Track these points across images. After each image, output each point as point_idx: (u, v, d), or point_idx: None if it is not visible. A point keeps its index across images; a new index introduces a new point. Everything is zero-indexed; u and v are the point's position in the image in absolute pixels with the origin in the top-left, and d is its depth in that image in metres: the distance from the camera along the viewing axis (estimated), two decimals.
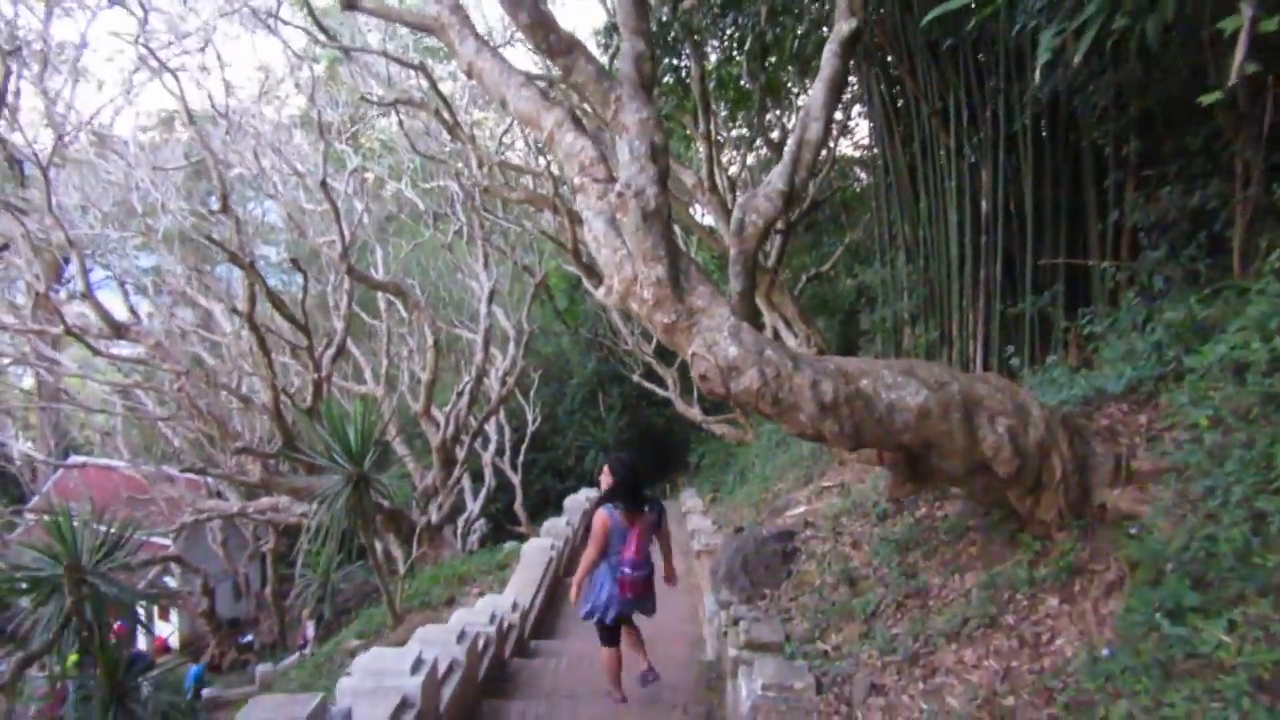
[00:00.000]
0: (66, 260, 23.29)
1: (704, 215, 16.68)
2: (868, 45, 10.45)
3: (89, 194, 21.08)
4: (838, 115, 16.43)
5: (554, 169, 15.18)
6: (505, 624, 7.33)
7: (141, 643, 24.84)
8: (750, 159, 18.67)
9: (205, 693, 18.79)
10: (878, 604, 5.77)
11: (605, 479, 6.15)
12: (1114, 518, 4.70)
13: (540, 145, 16.40)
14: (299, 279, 29.78)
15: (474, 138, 14.40)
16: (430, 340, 17.08)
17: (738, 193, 15.12)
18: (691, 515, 12.97)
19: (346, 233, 16.25)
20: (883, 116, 11.19)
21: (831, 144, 17.20)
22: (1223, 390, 4.18)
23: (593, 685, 6.66)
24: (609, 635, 6.21)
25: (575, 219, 13.21)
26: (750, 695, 5.02)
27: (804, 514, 9.69)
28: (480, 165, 15.37)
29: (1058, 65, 6.86)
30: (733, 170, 17.27)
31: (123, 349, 17.98)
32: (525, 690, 6.69)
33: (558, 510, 16.34)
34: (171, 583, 23.94)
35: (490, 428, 22.35)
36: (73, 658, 11.75)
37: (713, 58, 15.43)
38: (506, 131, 19.21)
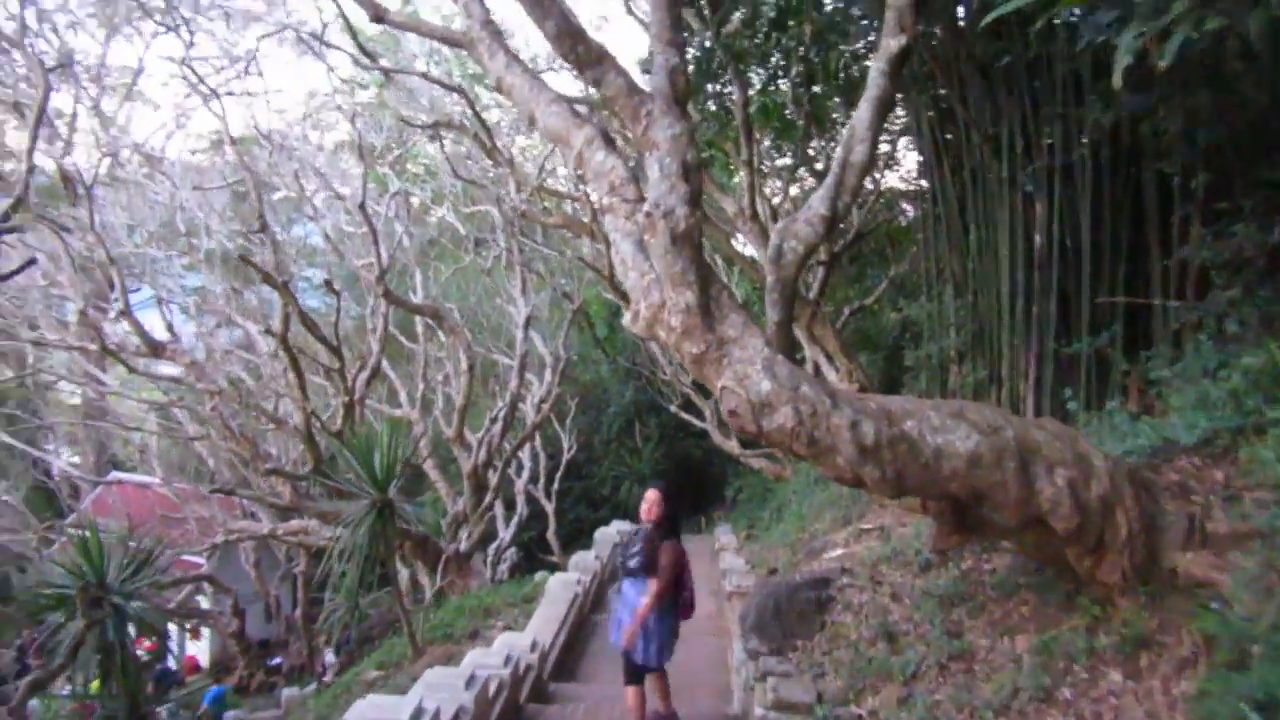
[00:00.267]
0: (113, 283, 23.64)
1: (745, 245, 16.35)
2: (916, 71, 10.09)
3: (135, 214, 21.32)
4: (884, 146, 16.08)
5: (592, 195, 14.99)
6: (522, 666, 6.97)
7: (172, 662, 24.90)
8: (794, 189, 18.35)
9: (229, 716, 18.57)
10: (918, 664, 5.31)
11: (654, 507, 5.78)
12: (1186, 585, 4.24)
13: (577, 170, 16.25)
14: (340, 301, 30.06)
15: (513, 161, 14.25)
16: (465, 364, 16.88)
17: (780, 221, 14.77)
18: (725, 553, 12.52)
19: (385, 256, 16.15)
20: (931, 145, 10.79)
21: (878, 175, 16.84)
22: None
23: None
24: (642, 676, 5.91)
25: (609, 243, 12.94)
26: None
27: (841, 557, 9.22)
28: (519, 189, 15.21)
29: (1128, 84, 6.42)
30: (775, 200, 16.91)
31: (162, 368, 18.07)
32: None
33: (591, 540, 16.00)
34: (204, 602, 23.92)
35: (525, 455, 22.10)
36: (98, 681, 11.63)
37: (756, 84, 15.18)
38: (548, 156, 19.07)
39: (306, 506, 15.10)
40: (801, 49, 11.93)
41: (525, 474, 21.92)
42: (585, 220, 14.44)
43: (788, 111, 15.74)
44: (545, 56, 18.03)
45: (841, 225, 16.98)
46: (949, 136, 10.48)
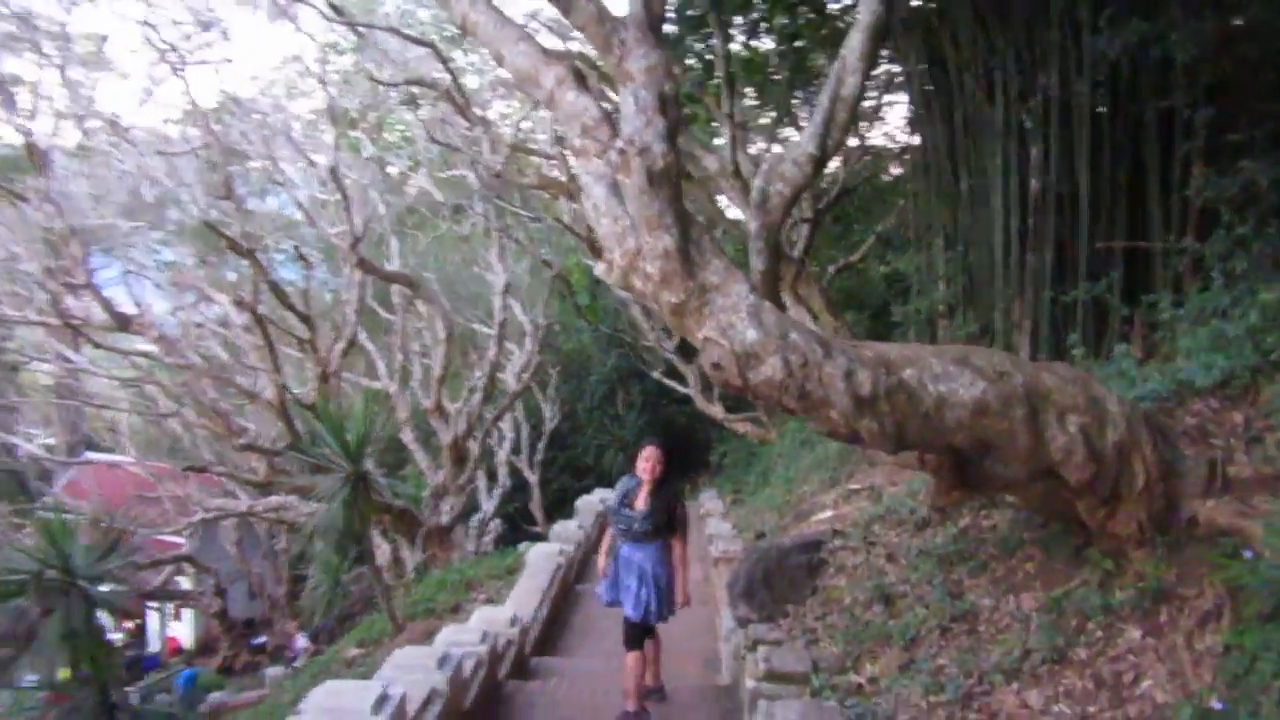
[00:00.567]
0: (88, 255, 22.97)
1: (729, 205, 15.94)
2: (905, 13, 9.67)
3: (102, 185, 20.65)
4: (869, 100, 15.64)
5: (569, 154, 14.51)
6: (501, 642, 6.64)
7: (154, 644, 24.57)
8: (777, 147, 17.90)
9: (214, 697, 18.24)
10: (918, 628, 5.02)
11: (656, 464, 5.40)
12: (1207, 534, 3.95)
13: (554, 128, 15.71)
14: (318, 273, 29.39)
15: (486, 119, 13.77)
16: (443, 333, 16.46)
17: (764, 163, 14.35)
18: (710, 518, 12.23)
19: (359, 223, 15.66)
20: (920, 92, 10.41)
21: (863, 128, 16.41)
22: None
23: (596, 710, 5.97)
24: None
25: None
26: None
27: (831, 519, 8.95)
28: (494, 150, 14.70)
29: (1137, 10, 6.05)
30: (759, 148, 16.47)
31: (133, 343, 17.55)
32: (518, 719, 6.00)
33: (574, 509, 15.70)
34: (185, 583, 23.55)
35: (506, 425, 21.75)
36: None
37: (738, 37, 14.70)
38: (525, 118, 18.55)
39: (282, 482, 14.72)
40: None
41: (507, 445, 21.58)
42: (562, 180, 13.96)
43: (771, 66, 15.29)
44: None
45: (825, 182, 16.61)
46: (939, 83, 10.08)
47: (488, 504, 20.32)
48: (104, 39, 21.84)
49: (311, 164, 18.56)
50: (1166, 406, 4.63)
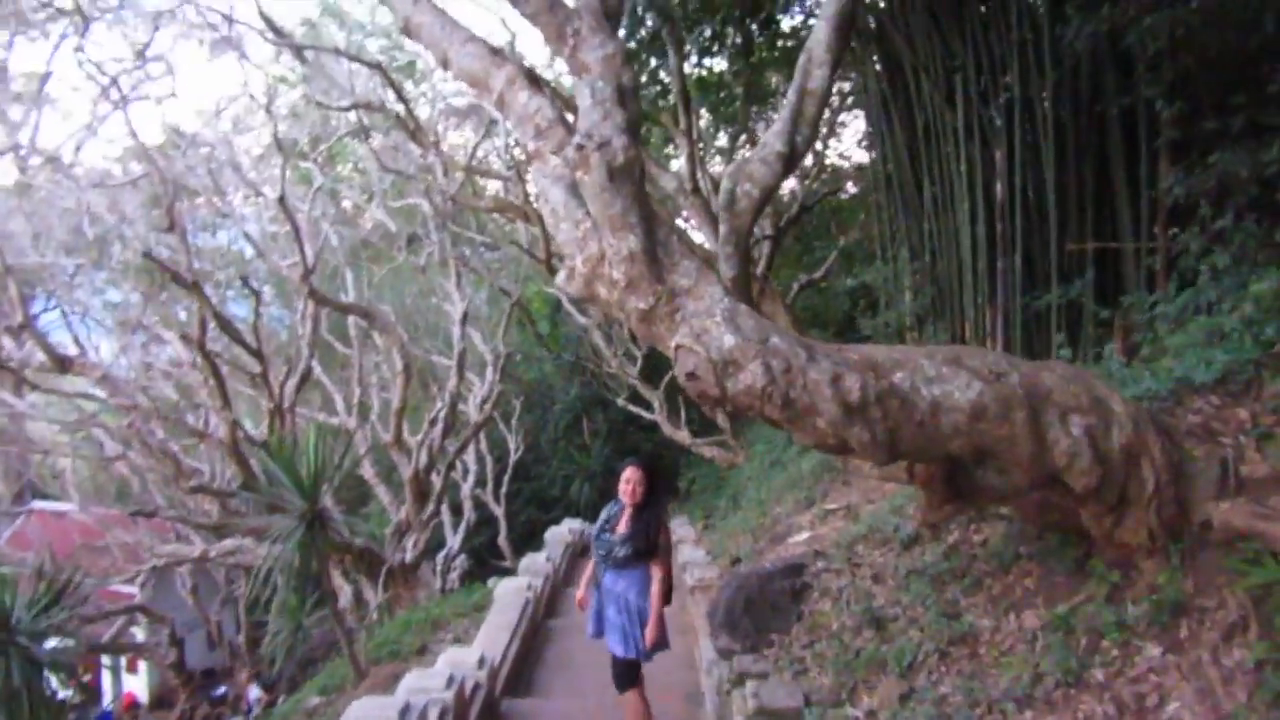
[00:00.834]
0: (32, 297, 22.16)
1: (689, 223, 15.72)
2: (860, 20, 9.52)
3: (42, 223, 19.96)
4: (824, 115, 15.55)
5: (526, 176, 14.21)
6: (469, 686, 6.21)
7: (107, 698, 23.56)
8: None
9: None
10: (915, 653, 4.69)
11: (637, 486, 4.99)
12: (1223, 538, 3.67)
13: (511, 150, 15.42)
14: (272, 309, 28.70)
15: (438, 143, 13.42)
16: (400, 365, 15.98)
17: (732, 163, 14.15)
18: (683, 546, 11.86)
19: (310, 254, 15.18)
20: (879, 101, 10.24)
21: (820, 146, 16.33)
22: None
23: None
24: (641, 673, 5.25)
25: (548, 230, 12.17)
26: None
27: (809, 541, 8.63)
28: (446, 173, 14.35)
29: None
30: (717, 171, 16.29)
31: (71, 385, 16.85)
32: None
33: (543, 542, 15.27)
34: (139, 634, 22.67)
35: (470, 458, 21.24)
36: None
37: (692, 57, 14.57)
38: (480, 143, 18.22)
39: (235, 525, 14.10)
40: (738, 13, 11.30)
41: (471, 478, 21.06)
42: (518, 204, 13.64)
43: (725, 85, 15.15)
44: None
45: (784, 199, 16.47)
46: (897, 90, 9.93)
47: (453, 539, 19.75)
48: (46, 76, 21.22)
49: (260, 195, 18.09)
50: (1166, 406, 4.37)
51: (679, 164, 15.88)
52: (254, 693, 16.78)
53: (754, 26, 12.04)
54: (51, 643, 11.86)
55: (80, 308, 22.87)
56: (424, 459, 16.37)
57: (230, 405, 14.01)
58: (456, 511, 20.74)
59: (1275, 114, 5.63)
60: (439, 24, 5.15)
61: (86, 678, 21.39)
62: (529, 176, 13.02)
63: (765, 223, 14.27)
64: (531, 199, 13.21)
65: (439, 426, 16.86)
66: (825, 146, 16.97)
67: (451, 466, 18.43)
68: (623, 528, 4.99)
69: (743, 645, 5.91)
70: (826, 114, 15.48)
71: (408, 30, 5.48)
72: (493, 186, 18.59)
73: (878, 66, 10.10)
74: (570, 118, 4.56)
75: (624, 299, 3.86)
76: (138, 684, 24.79)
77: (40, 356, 14.52)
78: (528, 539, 21.73)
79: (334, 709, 10.05)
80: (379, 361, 21.67)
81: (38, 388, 14.93)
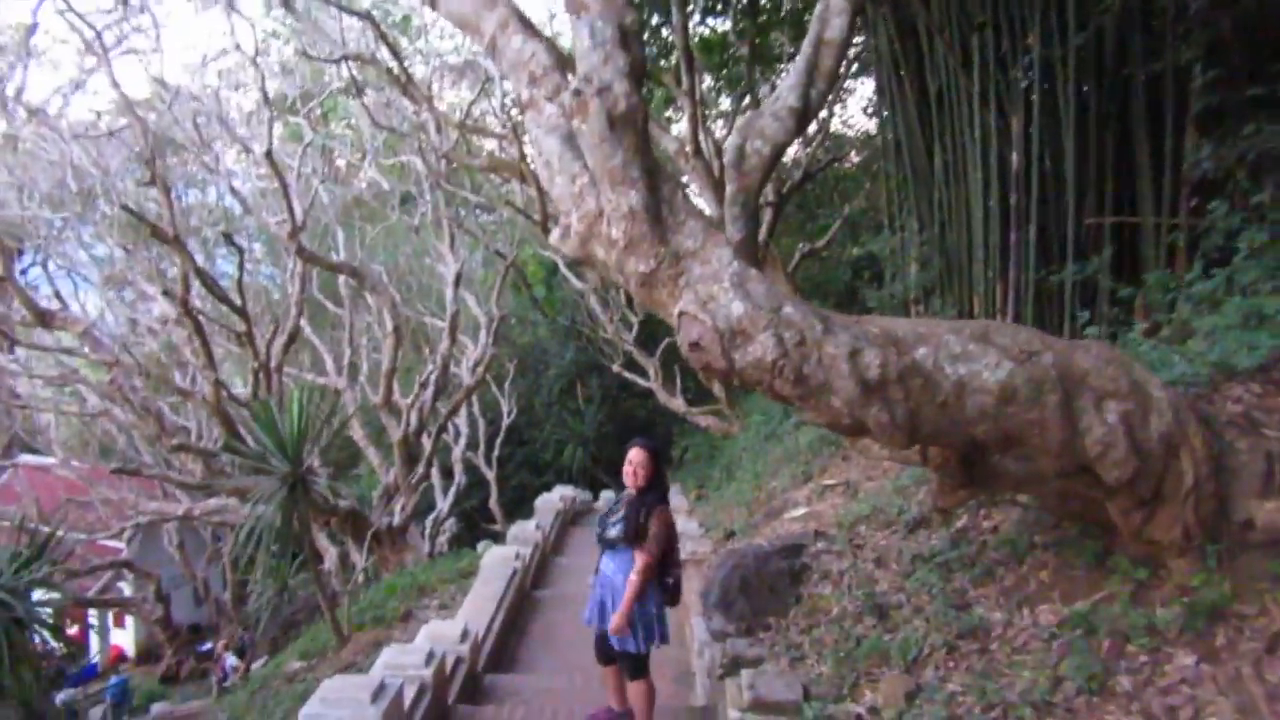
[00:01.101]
0: (20, 251, 21.71)
1: (690, 187, 15.32)
2: None
3: (26, 176, 19.49)
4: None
5: (522, 135, 13.77)
6: (450, 662, 5.96)
7: (94, 652, 23.50)
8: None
9: (156, 707, 17.35)
10: (920, 645, 4.43)
11: (639, 470, 4.64)
12: (1266, 539, 3.39)
13: (508, 109, 14.97)
14: (262, 269, 28.24)
15: (431, 99, 12.97)
16: (390, 325, 15.63)
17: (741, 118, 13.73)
18: (676, 516, 11.63)
19: (299, 210, 14.77)
20: (890, 62, 9.84)
21: (825, 113, 15.88)
22: None
23: None
24: (645, 663, 4.91)
25: (544, 189, 11.75)
26: None
27: (806, 516, 8.38)
28: (439, 130, 13.90)
29: None
30: (720, 135, 15.86)
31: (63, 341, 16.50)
32: None
33: (533, 509, 15.07)
34: (126, 589, 22.58)
35: (462, 421, 20.97)
36: None
37: (696, 15, 14.09)
38: (475, 101, 17.72)
39: (219, 485, 13.83)
40: None
41: (463, 441, 20.80)
42: (514, 162, 13.22)
43: (730, 45, 14.69)
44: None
45: (786, 167, 16.06)
46: (909, 54, 9.53)
47: (443, 502, 19.55)
48: (33, 28, 20.63)
49: (248, 150, 17.61)
50: (1202, 393, 4.07)
51: (679, 128, 15.46)
52: (230, 660, 16.63)
53: None
54: (38, 594, 11.70)
55: (67, 263, 22.48)
56: (414, 421, 16.09)
57: (214, 363, 13.68)
58: (447, 474, 20.53)
59: None
60: None
61: (73, 631, 21.35)
62: (525, 135, 12.56)
63: (767, 189, 13.88)
64: (528, 158, 12.78)
65: (430, 389, 16.57)
66: (830, 113, 16.52)
67: (443, 429, 18.17)
68: (621, 510, 4.72)
69: (737, 628, 5.65)
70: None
71: None
72: (489, 146, 18.09)
73: (889, 28, 9.66)
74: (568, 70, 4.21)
75: (623, 260, 3.53)
76: (125, 638, 24.78)
77: (24, 311, 14.19)
78: (519, 503, 21.57)
79: (315, 674, 9.86)
80: (370, 322, 21.33)
81: (18, 342, 14.52)
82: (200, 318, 14.09)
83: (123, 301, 21.44)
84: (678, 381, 20.44)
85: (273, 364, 14.93)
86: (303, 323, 17.00)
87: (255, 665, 15.60)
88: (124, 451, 20.47)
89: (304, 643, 11.76)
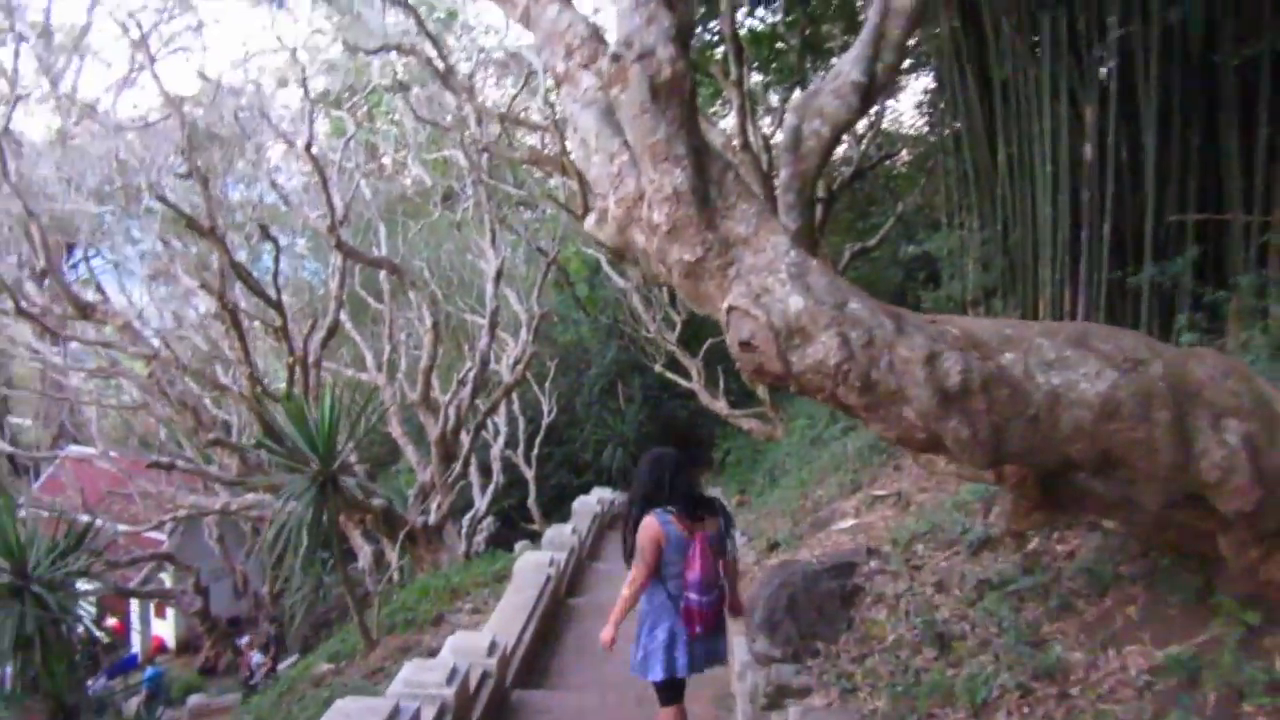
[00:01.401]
0: (71, 246, 21.95)
1: None
2: None
3: (75, 171, 19.65)
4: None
5: (563, 125, 13.45)
6: (474, 679, 5.61)
7: (135, 643, 23.75)
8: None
9: (192, 700, 17.37)
10: (990, 685, 3.97)
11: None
12: None
13: (551, 102, 14.64)
14: (307, 264, 28.30)
15: (471, 89, 12.70)
16: (430, 321, 15.39)
17: (772, 154, 13.31)
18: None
19: (340, 204, 14.59)
20: (951, 49, 9.32)
21: (879, 104, 15.33)
22: None
23: None
24: (670, 692, 4.50)
25: (585, 181, 11.41)
26: None
27: (854, 529, 7.92)
28: (480, 122, 13.62)
29: None
30: (769, 131, 15.39)
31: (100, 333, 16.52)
32: None
33: (570, 510, 14.76)
34: (166, 580, 22.79)
35: (501, 419, 20.75)
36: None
37: (744, 9, 13.65)
38: (517, 96, 17.44)
39: (252, 480, 13.68)
40: None
41: (502, 439, 20.57)
42: (555, 155, 12.88)
43: (780, 37, 14.25)
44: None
45: (836, 163, 15.54)
46: (972, 42, 9.00)
47: (480, 501, 19.32)
48: (86, 27, 20.86)
49: (290, 144, 17.52)
50: None
51: (726, 124, 15.03)
52: (255, 658, 16.59)
53: None
54: (83, 585, 11.65)
55: (116, 257, 22.70)
56: (452, 418, 15.84)
57: (250, 357, 13.53)
58: (485, 473, 20.31)
59: None
60: None
61: (113, 622, 21.49)
62: (565, 124, 12.23)
63: (818, 184, 13.42)
64: (569, 151, 12.45)
65: (468, 386, 16.32)
66: (883, 108, 15.96)
67: (481, 427, 17.93)
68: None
69: (783, 652, 5.22)
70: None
71: None
72: (531, 142, 17.85)
73: (950, 16, 9.14)
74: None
75: (665, 248, 3.13)
76: (166, 629, 25.03)
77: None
78: (558, 502, 21.32)
79: (342, 678, 9.59)
80: (411, 317, 21.21)
81: (58, 335, 14.54)
82: (239, 313, 14.00)
83: (173, 296, 21.55)
84: (720, 383, 20.02)
85: (311, 359, 14.76)
86: (344, 318, 16.87)
87: (285, 664, 15.47)
88: (165, 445, 20.55)
89: (333, 644, 11.53)
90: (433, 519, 15.44)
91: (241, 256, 19.19)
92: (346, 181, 17.71)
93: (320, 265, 26.16)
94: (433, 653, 7.19)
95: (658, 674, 4.35)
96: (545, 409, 22.49)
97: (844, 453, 11.45)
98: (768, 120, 17.02)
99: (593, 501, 14.42)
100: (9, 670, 10.23)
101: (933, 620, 4.73)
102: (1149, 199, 7.12)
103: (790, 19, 13.47)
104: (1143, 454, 2.84)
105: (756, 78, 15.85)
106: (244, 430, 19.06)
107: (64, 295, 13.97)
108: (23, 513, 14.74)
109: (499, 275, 16.84)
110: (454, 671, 5.15)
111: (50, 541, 11.32)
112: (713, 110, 16.54)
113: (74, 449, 23.39)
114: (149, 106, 25.58)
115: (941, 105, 10.59)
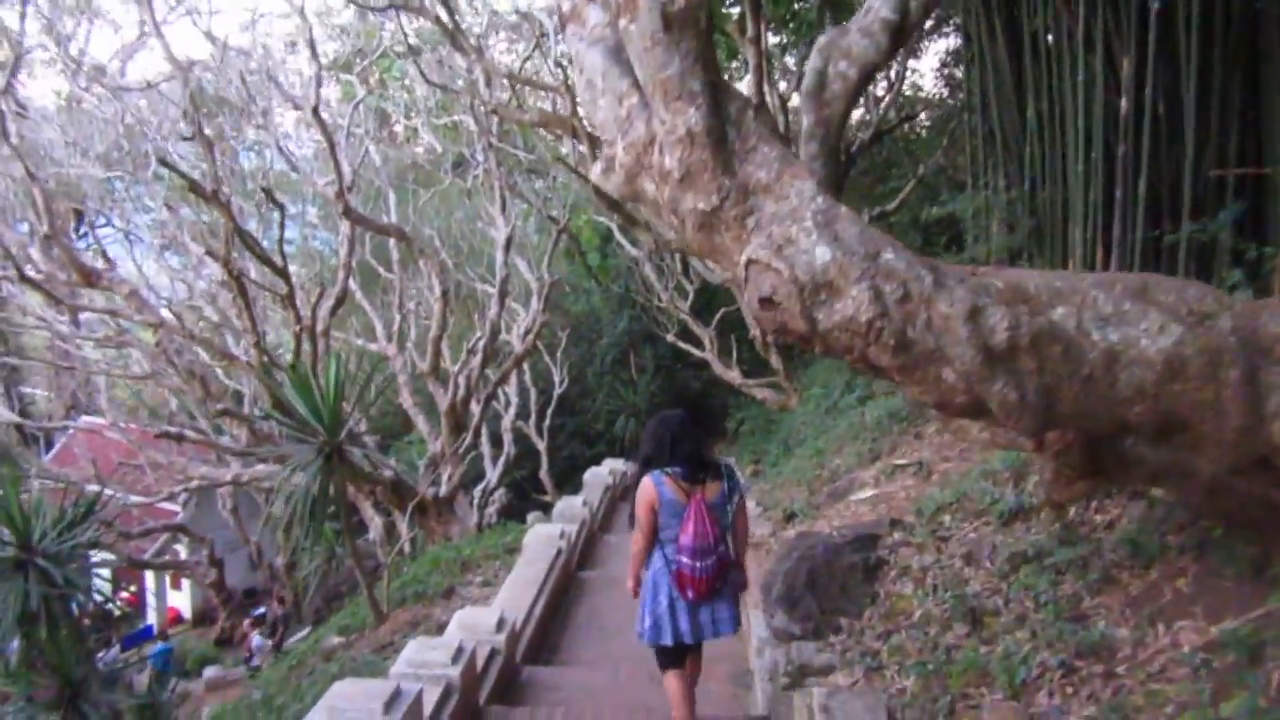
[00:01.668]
0: (80, 214, 21.76)
1: None
2: None
3: (84, 136, 19.44)
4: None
5: (572, 83, 13.08)
6: (481, 657, 5.41)
7: (151, 614, 23.84)
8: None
9: (208, 672, 17.36)
10: (1028, 661, 3.73)
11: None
12: None
13: (562, 64, 14.26)
14: (319, 234, 28.05)
15: (480, 48, 12.35)
16: (439, 290, 15.15)
17: (789, 116, 12.95)
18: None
19: (347, 170, 14.32)
20: (980, 5, 8.94)
21: (898, 64, 14.88)
22: None
23: None
24: (669, 656, 4.34)
25: (596, 144, 11.08)
26: None
27: (874, 499, 7.67)
28: (489, 83, 13.28)
29: None
30: (784, 90, 14.98)
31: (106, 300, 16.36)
32: None
33: (581, 482, 14.57)
34: (182, 551, 22.79)
35: (512, 389, 20.55)
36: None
37: None
38: (528, 58, 17.07)
39: (260, 451, 13.54)
40: None
41: (513, 410, 20.39)
42: (566, 117, 12.53)
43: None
44: None
45: (852, 129, 15.14)
46: None
47: (492, 472, 19.19)
48: None
49: (298, 108, 17.23)
50: None
51: (741, 85, 14.65)
52: (256, 641, 16.54)
53: None
54: (96, 555, 11.52)
55: (124, 225, 22.51)
56: (462, 388, 15.65)
57: (257, 326, 13.33)
58: (497, 444, 20.16)
59: None
60: None
61: (128, 594, 21.52)
62: (572, 68, 11.85)
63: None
64: (579, 113, 12.12)
65: (478, 356, 16.10)
66: (904, 68, 15.52)
67: (492, 397, 17.74)
68: None
69: (803, 629, 4.99)
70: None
71: None
72: (542, 105, 17.49)
73: None
74: None
75: (678, 197, 2.85)
76: (181, 600, 25.11)
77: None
78: (570, 473, 21.19)
79: (351, 652, 9.47)
80: (421, 286, 20.98)
81: (62, 302, 14.37)
82: (246, 280, 13.79)
83: (185, 267, 21.38)
84: (734, 352, 19.76)
85: (319, 328, 14.56)
86: (353, 286, 16.65)
87: (294, 639, 15.42)
88: (175, 415, 20.45)
89: (343, 617, 11.40)
90: (444, 490, 15.30)
91: (252, 225, 18.99)
92: (356, 147, 17.42)
93: (331, 235, 25.94)
94: (441, 628, 7.03)
95: (667, 639, 4.17)
96: (557, 379, 22.29)
97: (861, 421, 11.19)
98: (785, 84, 16.62)
99: (604, 473, 14.22)
100: (14, 645, 10.12)
101: (963, 595, 4.49)
102: (1187, 154, 6.77)
103: None
104: (1209, 416, 2.56)
105: (773, 39, 15.42)
106: (255, 400, 18.94)
107: (68, 261, 13.78)
108: (35, 484, 14.69)
109: (509, 243, 16.57)
110: (460, 650, 4.94)
111: (57, 513, 11.21)
112: (727, 74, 16.15)
113: (85, 420, 23.36)
114: (158, 71, 25.36)
115: (968, 60, 10.18)
